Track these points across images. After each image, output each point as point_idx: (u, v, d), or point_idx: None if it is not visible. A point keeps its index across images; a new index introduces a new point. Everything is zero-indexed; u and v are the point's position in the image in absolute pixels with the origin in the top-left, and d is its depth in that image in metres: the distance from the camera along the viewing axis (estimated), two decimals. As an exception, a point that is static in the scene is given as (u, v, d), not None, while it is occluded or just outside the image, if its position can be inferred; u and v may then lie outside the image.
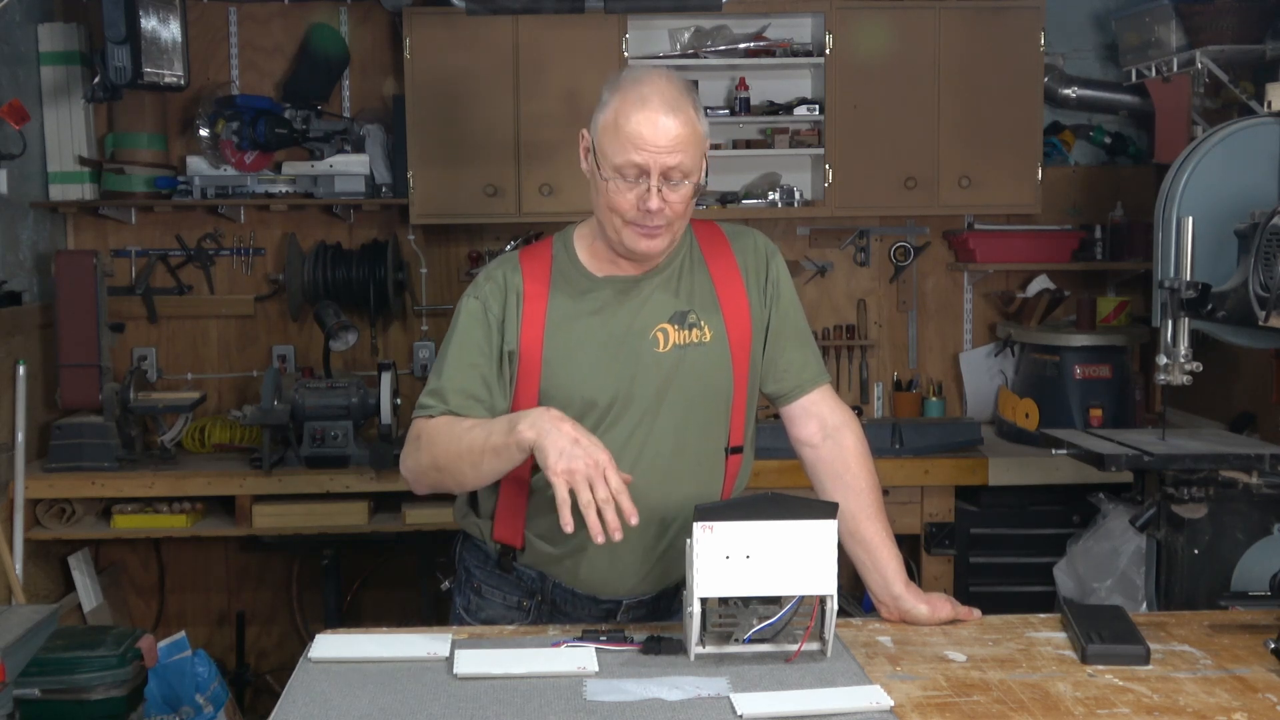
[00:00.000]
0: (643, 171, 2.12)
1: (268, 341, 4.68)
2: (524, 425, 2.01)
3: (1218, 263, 2.80)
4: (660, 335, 2.24)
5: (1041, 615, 2.27)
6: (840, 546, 2.02)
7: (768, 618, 1.99)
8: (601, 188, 2.17)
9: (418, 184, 4.30)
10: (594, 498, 1.93)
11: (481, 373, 2.22)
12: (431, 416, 2.21)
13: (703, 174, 2.20)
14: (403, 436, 4.15)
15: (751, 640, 2.00)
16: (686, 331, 2.25)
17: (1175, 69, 4.09)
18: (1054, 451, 3.01)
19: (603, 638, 2.08)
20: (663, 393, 2.22)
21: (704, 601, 1.98)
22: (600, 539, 1.93)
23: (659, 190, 2.12)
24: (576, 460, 1.94)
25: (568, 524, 1.92)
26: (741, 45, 4.43)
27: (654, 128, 2.10)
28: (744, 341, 2.29)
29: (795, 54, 4.43)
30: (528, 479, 2.24)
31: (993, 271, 4.71)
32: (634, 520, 1.96)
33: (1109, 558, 3.61)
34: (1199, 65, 3.94)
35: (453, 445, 2.14)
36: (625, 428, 2.21)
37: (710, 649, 2.01)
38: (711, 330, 2.26)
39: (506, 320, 2.24)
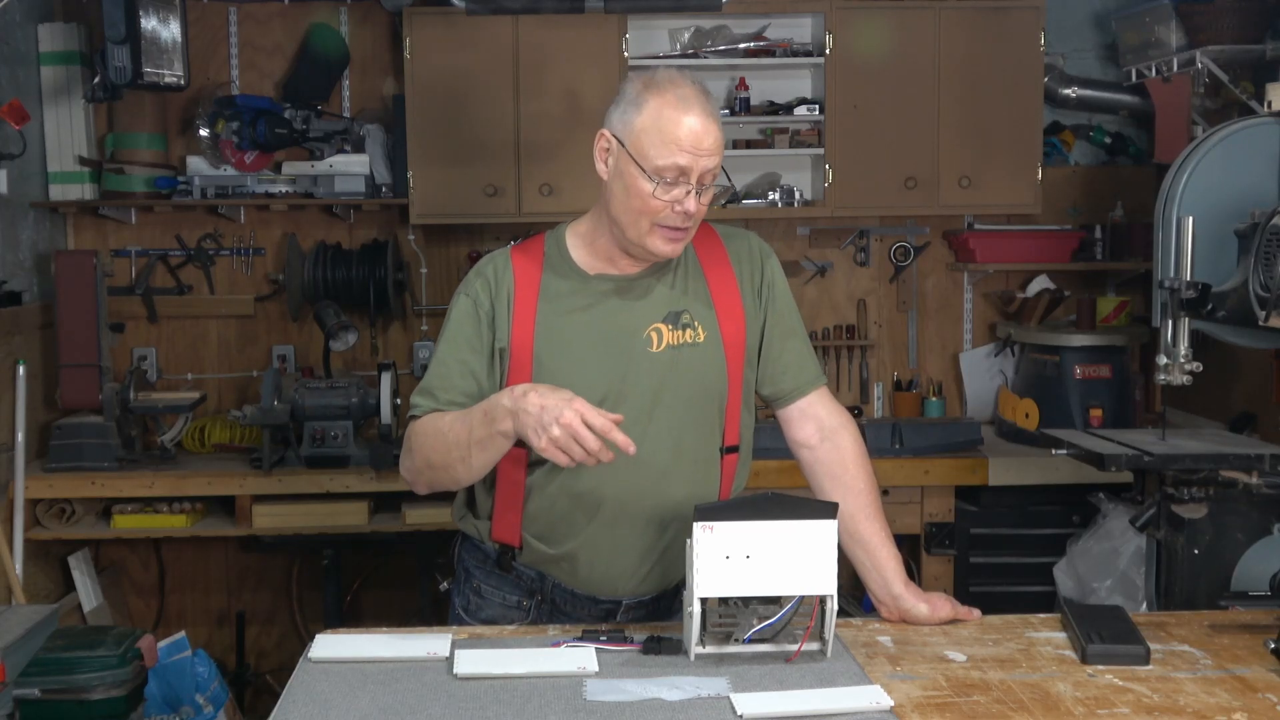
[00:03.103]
0: (683, 173, 2.12)
1: (268, 341, 4.68)
2: (500, 416, 2.02)
3: (1218, 263, 2.80)
4: (654, 335, 2.24)
5: (1041, 615, 2.27)
6: (839, 547, 2.02)
7: (768, 618, 1.99)
8: (634, 189, 2.14)
9: (418, 184, 4.30)
10: (588, 452, 1.95)
11: (472, 369, 2.22)
12: (419, 416, 2.21)
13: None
14: (402, 437, 4.20)
15: (751, 640, 2.00)
16: (680, 332, 2.25)
17: (1175, 69, 4.09)
18: (1054, 451, 3.01)
19: (603, 638, 2.08)
20: (658, 393, 2.22)
21: (704, 601, 1.98)
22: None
23: (696, 194, 2.13)
24: (551, 427, 1.94)
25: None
26: (741, 45, 4.43)
27: (699, 131, 2.12)
28: (738, 342, 2.28)
29: (795, 54, 4.43)
30: (523, 480, 2.24)
31: (993, 271, 4.71)
32: (631, 450, 1.99)
33: (1109, 558, 3.61)
34: (1199, 65, 3.94)
35: (439, 442, 2.15)
36: (620, 427, 2.20)
37: (710, 649, 2.01)
38: (705, 331, 2.26)
39: (497, 316, 2.24)
